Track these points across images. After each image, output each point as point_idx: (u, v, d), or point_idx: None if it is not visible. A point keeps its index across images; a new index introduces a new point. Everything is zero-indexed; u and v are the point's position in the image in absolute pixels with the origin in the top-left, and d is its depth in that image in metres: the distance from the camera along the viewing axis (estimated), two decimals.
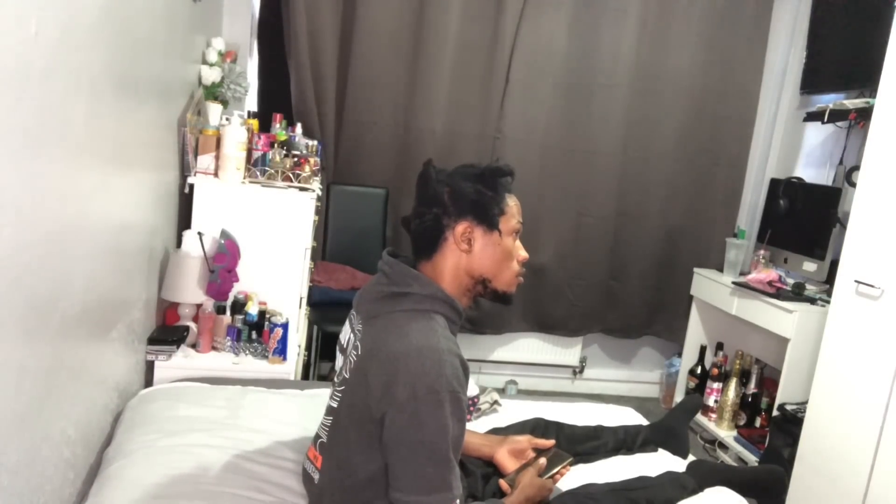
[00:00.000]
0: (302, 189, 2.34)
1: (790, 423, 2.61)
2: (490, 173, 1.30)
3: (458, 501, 1.17)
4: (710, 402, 3.25)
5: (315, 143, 2.62)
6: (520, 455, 1.58)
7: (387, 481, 1.19)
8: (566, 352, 3.63)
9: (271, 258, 2.30)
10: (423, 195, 1.30)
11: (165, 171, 2.12)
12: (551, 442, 1.63)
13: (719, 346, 3.38)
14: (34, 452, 1.23)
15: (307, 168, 2.39)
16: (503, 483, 1.49)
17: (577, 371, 3.70)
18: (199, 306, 2.19)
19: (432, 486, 1.15)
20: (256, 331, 2.23)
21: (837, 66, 3.09)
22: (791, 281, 2.93)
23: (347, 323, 1.36)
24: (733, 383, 3.15)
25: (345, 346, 1.34)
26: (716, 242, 3.49)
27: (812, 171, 3.27)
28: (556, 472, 1.51)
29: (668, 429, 1.94)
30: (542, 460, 1.52)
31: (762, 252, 3.19)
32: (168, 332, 2.11)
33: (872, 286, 2.19)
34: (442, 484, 1.15)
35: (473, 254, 1.29)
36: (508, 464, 1.56)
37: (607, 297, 3.54)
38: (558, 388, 3.70)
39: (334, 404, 1.32)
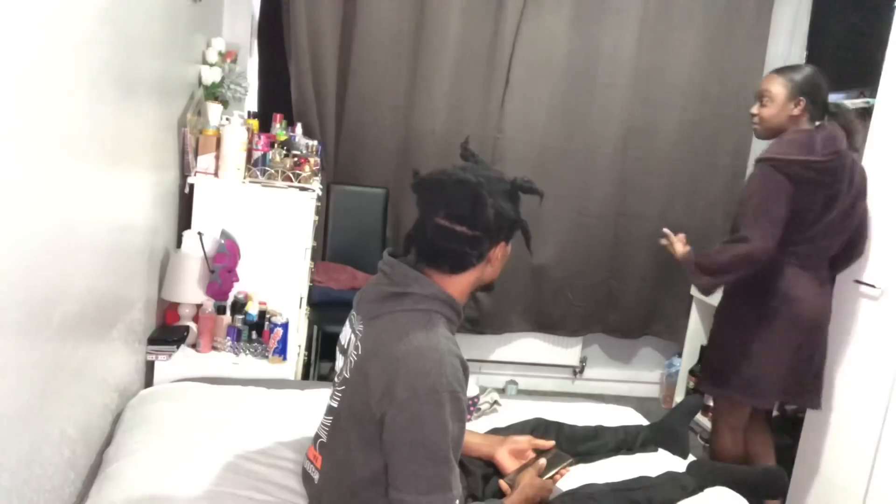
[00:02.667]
0: (302, 189, 2.34)
1: (790, 423, 2.61)
2: (519, 190, 1.30)
3: (457, 501, 1.17)
4: (711, 402, 3.24)
5: (315, 143, 2.62)
6: (520, 455, 1.58)
7: (386, 481, 1.19)
8: (566, 352, 3.63)
9: (271, 258, 2.30)
10: (471, 216, 1.21)
11: (165, 171, 2.12)
12: (551, 443, 1.63)
13: None
14: (34, 452, 1.23)
15: (307, 168, 2.39)
16: (503, 483, 1.49)
17: (577, 371, 3.70)
18: (199, 306, 2.19)
19: (432, 485, 1.15)
20: (256, 331, 2.23)
21: (837, 66, 3.09)
22: None
23: (347, 323, 1.36)
24: None
25: (345, 346, 1.34)
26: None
27: None
28: (556, 473, 1.51)
29: (668, 429, 1.94)
30: (542, 461, 1.52)
31: None
32: (168, 332, 2.11)
33: (872, 286, 2.18)
34: (441, 483, 1.15)
35: (495, 266, 1.31)
36: (508, 464, 1.56)
37: (607, 297, 3.53)
38: (558, 388, 3.69)
39: (334, 404, 1.32)
